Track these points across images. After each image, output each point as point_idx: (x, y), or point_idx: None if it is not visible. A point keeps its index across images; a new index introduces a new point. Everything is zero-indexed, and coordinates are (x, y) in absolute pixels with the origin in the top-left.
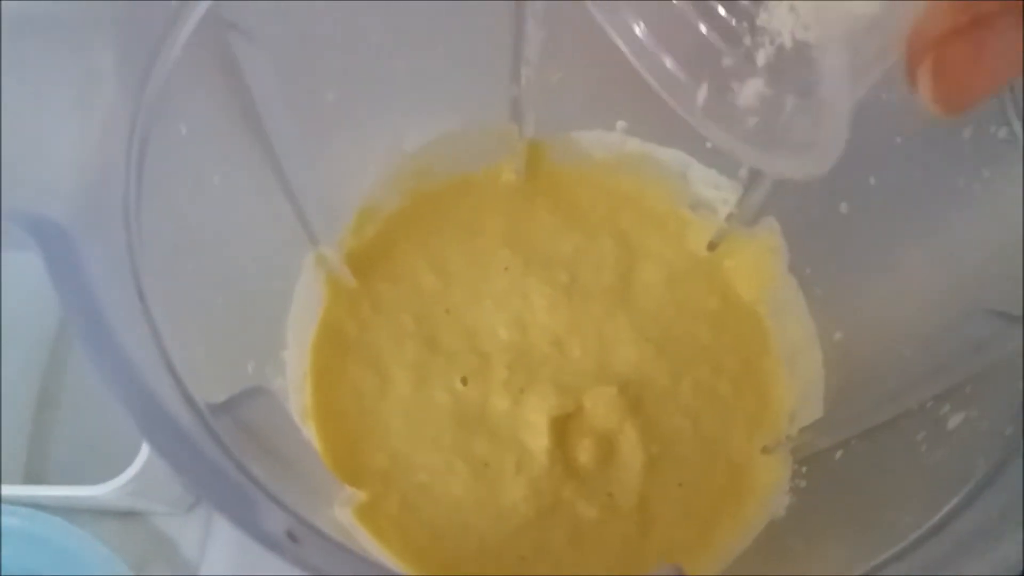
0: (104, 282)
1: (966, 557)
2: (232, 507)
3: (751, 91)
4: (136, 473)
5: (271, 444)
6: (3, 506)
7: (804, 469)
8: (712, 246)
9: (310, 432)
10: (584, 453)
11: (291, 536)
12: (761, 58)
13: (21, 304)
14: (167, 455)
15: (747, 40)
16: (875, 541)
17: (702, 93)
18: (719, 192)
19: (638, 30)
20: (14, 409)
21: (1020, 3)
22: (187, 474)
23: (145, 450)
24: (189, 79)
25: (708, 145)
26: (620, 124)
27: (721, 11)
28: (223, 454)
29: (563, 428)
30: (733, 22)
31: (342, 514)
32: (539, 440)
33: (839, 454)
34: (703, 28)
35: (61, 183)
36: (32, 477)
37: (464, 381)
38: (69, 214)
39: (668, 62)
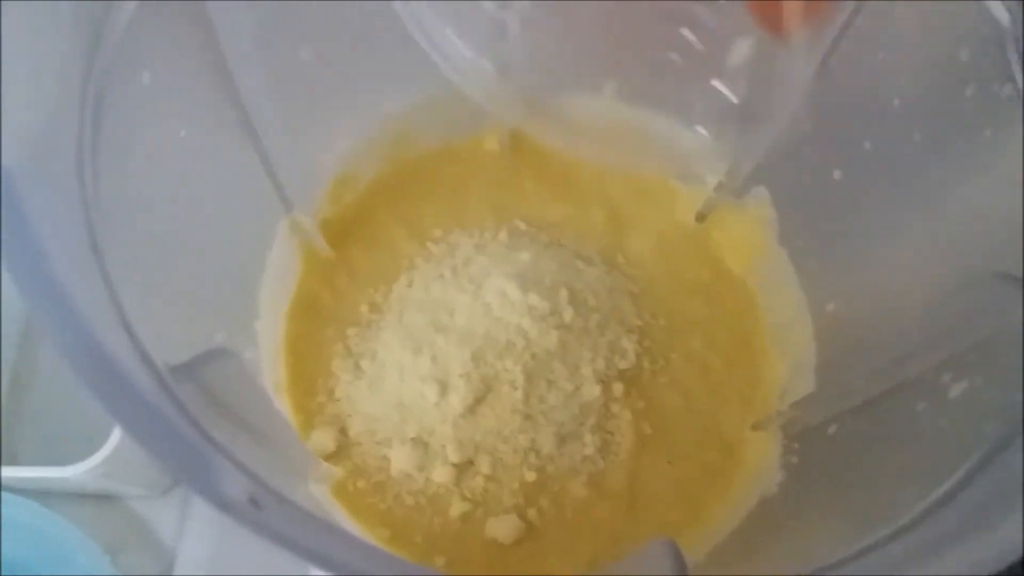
0: (53, 231)
1: (974, 532)
2: (188, 468)
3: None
4: (108, 454)
5: (238, 412)
6: None
7: (796, 445)
8: (701, 217)
9: (284, 406)
10: None
11: (253, 501)
12: None
13: None
14: (115, 410)
15: None
16: (874, 517)
17: None
18: (708, 162)
19: None
20: None
21: None
22: (134, 430)
23: (118, 431)
24: (152, 23)
25: (697, 109)
26: (608, 88)
27: None
28: (179, 412)
29: None
30: None
31: (318, 491)
32: None
33: (832, 429)
34: None
35: (7, 125)
36: (3, 458)
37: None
38: (15, 157)
39: None
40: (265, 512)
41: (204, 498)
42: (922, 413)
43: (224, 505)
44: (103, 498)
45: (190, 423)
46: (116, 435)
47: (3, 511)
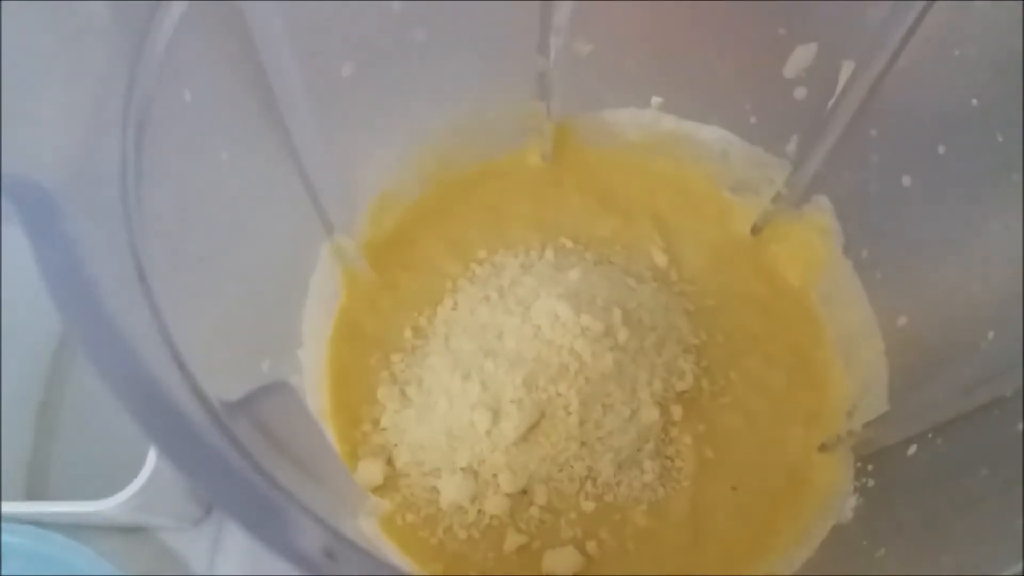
0: (99, 259)
1: None
2: (260, 521)
3: None
4: (140, 487)
5: (293, 448)
6: (4, 524)
7: (870, 467)
8: (756, 230)
9: (329, 435)
10: None
11: (328, 554)
12: None
13: (21, 316)
14: (179, 460)
15: None
16: (987, 549)
17: None
18: (764, 171)
19: None
20: (15, 423)
21: None
22: (204, 482)
23: (149, 464)
24: (193, 40)
25: (752, 120)
26: (655, 100)
27: None
28: (245, 460)
29: None
30: None
31: (367, 526)
32: None
33: (912, 450)
34: None
35: (49, 148)
36: (34, 493)
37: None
38: (58, 182)
39: None
40: (340, 564)
41: (280, 554)
42: None
43: (301, 560)
44: (134, 531)
45: (256, 469)
46: (148, 468)
47: (35, 547)
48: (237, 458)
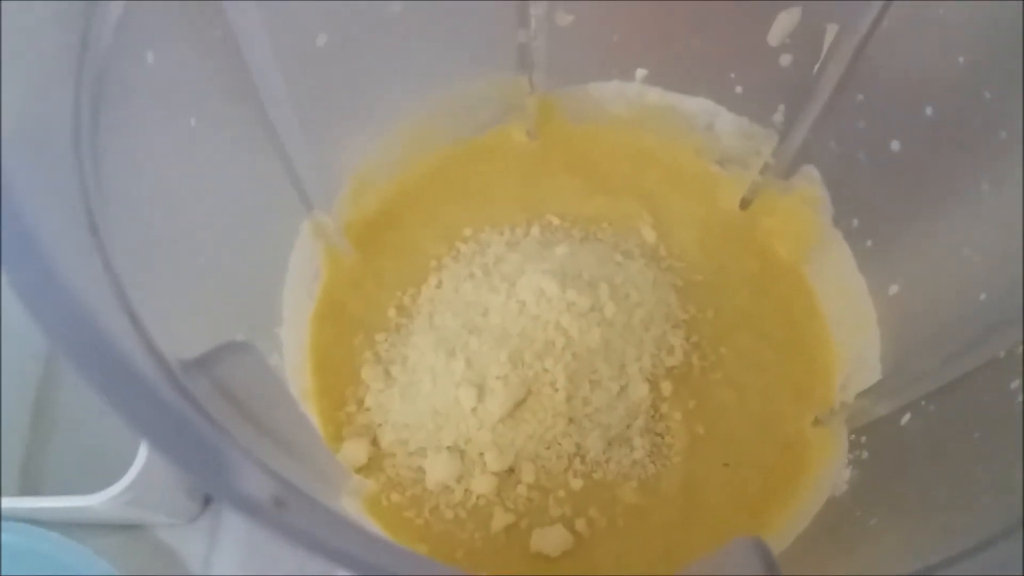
0: (41, 205)
1: None
2: (202, 463)
3: None
4: (131, 481)
5: (260, 416)
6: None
7: (864, 439)
8: (745, 203)
9: (311, 416)
10: None
11: (278, 502)
12: None
13: (16, 313)
14: (110, 395)
15: None
16: (979, 512)
17: None
18: (751, 143)
19: None
20: (10, 420)
21: None
22: (139, 420)
23: (141, 457)
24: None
25: (738, 90)
26: (640, 72)
27: None
28: (191, 406)
29: None
30: None
31: (350, 506)
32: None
33: (906, 418)
34: None
35: None
36: (28, 490)
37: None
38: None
39: None
40: (291, 513)
41: (224, 498)
42: (1017, 392)
43: (246, 506)
44: (129, 528)
45: (204, 417)
46: (140, 461)
47: (31, 545)
48: (185, 405)
